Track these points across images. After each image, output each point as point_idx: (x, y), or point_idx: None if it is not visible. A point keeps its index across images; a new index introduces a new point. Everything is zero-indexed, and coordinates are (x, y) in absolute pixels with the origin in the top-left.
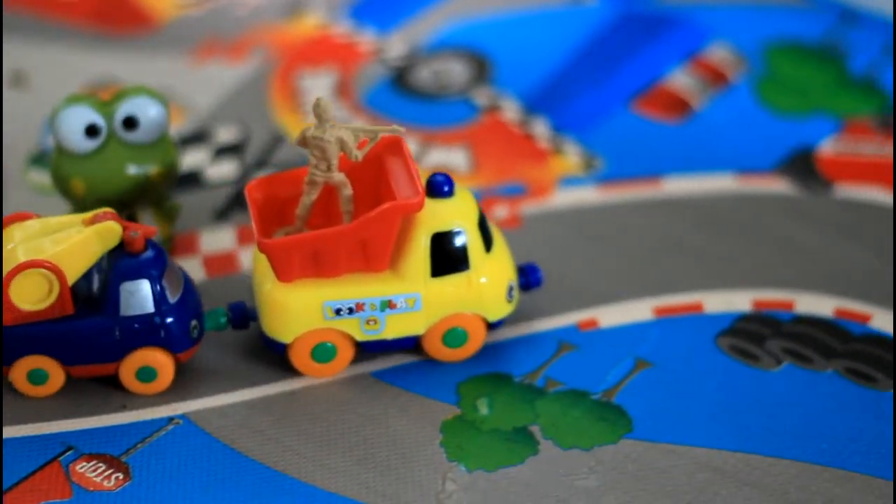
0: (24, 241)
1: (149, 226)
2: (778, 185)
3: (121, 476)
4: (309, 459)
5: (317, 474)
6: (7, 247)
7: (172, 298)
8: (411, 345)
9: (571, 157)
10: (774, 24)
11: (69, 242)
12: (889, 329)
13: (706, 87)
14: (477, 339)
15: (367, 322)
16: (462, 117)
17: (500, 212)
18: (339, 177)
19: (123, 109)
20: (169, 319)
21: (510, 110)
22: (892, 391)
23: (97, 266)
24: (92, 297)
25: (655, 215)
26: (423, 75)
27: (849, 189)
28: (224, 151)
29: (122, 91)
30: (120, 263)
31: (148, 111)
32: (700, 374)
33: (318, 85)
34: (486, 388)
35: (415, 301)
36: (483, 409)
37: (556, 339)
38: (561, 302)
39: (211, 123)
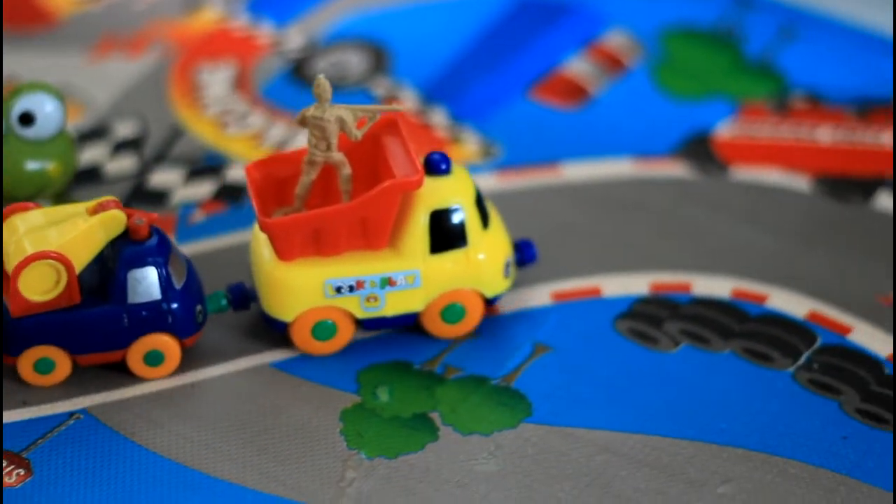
0: (28, 232)
1: (151, 212)
2: (675, 169)
3: (22, 472)
4: (210, 451)
5: (217, 465)
6: (11, 238)
7: (178, 284)
8: (411, 322)
9: (469, 145)
10: (671, 9)
11: (75, 232)
12: (785, 308)
13: (603, 74)
14: (475, 314)
15: (368, 299)
16: None
17: None
18: (338, 156)
19: (19, 105)
20: (175, 305)
21: (408, 100)
22: (788, 369)
23: (100, 254)
24: (97, 286)
25: (554, 201)
26: (321, 67)
27: (745, 171)
28: (123, 146)
29: (18, 87)
30: (126, 251)
31: (44, 107)
32: (599, 357)
33: (216, 79)
34: (386, 375)
35: (414, 278)
36: (383, 397)
37: None
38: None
39: (110, 119)
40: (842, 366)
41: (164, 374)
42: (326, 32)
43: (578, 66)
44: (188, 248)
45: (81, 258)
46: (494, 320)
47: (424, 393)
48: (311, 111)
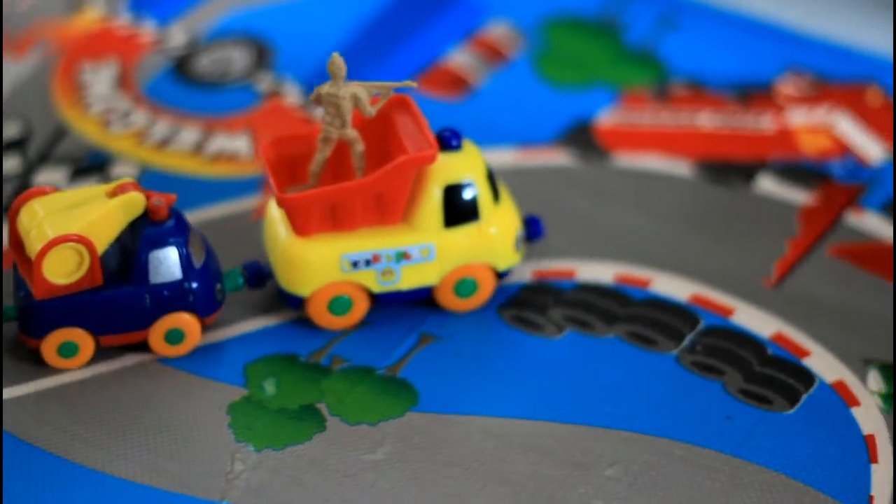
0: (48, 215)
1: (170, 193)
2: (557, 157)
3: None
4: (99, 447)
5: (107, 462)
6: (32, 223)
7: (198, 264)
8: (425, 296)
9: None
10: (552, 0)
11: (96, 214)
12: (669, 291)
13: (484, 65)
14: (486, 288)
15: (384, 273)
16: (243, 104)
17: None
18: (352, 133)
19: None
20: (196, 284)
21: (291, 95)
22: (672, 352)
23: (119, 236)
24: (118, 267)
25: None
26: (204, 63)
27: (627, 158)
28: (6, 147)
29: None
30: (147, 232)
31: None
32: (484, 345)
33: (99, 78)
34: (273, 368)
35: (429, 251)
36: (270, 390)
37: None
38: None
39: None
40: (725, 347)
41: (184, 352)
42: (209, 29)
43: (460, 58)
44: None
45: (103, 240)
46: (380, 311)
47: (311, 384)
48: (325, 88)
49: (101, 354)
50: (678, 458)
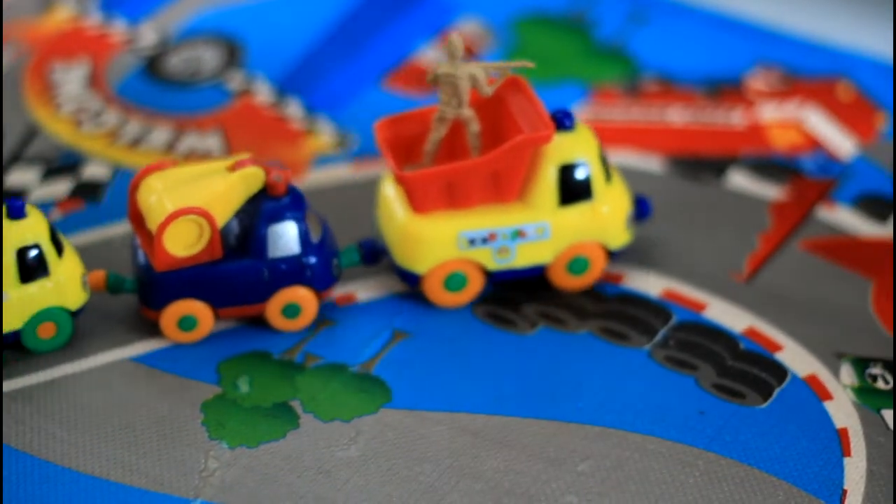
0: (168, 189)
1: (287, 170)
2: None
3: None
4: (71, 446)
5: (80, 460)
6: (151, 197)
7: (315, 239)
8: (538, 274)
9: (325, 136)
10: None
11: (216, 189)
12: (641, 287)
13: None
14: (598, 267)
15: (499, 251)
16: (215, 102)
17: None
18: (468, 113)
19: None
20: (314, 259)
21: (262, 93)
22: (645, 347)
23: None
24: (236, 241)
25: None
26: (175, 63)
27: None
28: None
29: None
30: (266, 207)
31: None
32: (457, 341)
33: (70, 77)
34: (246, 366)
35: (544, 230)
36: (243, 387)
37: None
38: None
39: None
40: (697, 342)
41: (301, 326)
42: (179, 28)
43: (431, 55)
44: None
45: (223, 214)
46: (353, 308)
47: (285, 382)
48: (443, 69)
49: (71, 354)
50: (651, 452)
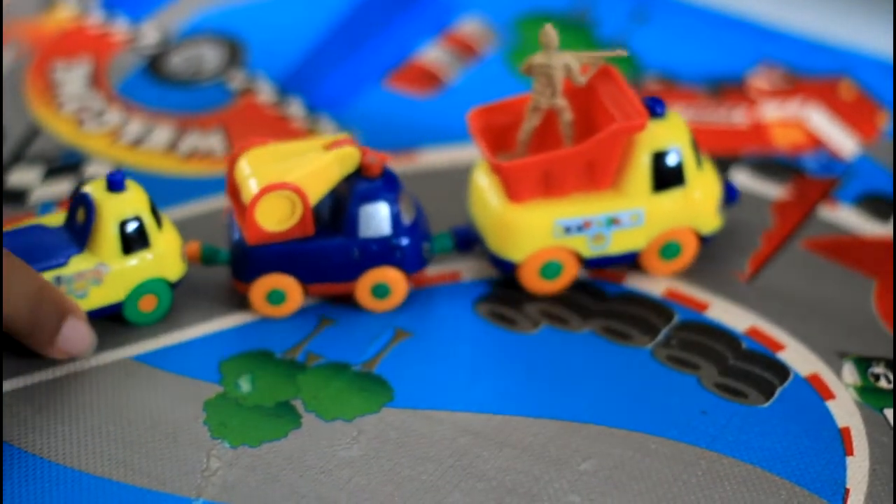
0: (266, 164)
1: (384, 153)
2: None
3: None
4: (74, 445)
5: (82, 459)
6: (249, 171)
7: (407, 221)
8: (631, 260)
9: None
10: None
11: (312, 166)
12: (643, 286)
13: (457, 61)
14: (689, 252)
15: (594, 239)
16: (216, 101)
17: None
18: (562, 102)
19: None
20: (405, 241)
21: (264, 92)
22: (647, 346)
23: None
24: (330, 219)
25: (411, 188)
26: (177, 62)
27: None
28: None
29: None
30: (359, 187)
31: None
32: (459, 340)
33: (72, 76)
34: (248, 365)
35: (638, 216)
36: (245, 386)
37: (316, 315)
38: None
39: None
40: (699, 341)
41: (390, 307)
42: (181, 27)
43: (432, 54)
44: None
45: (316, 191)
46: (355, 307)
47: (286, 381)
48: (537, 59)
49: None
50: (654, 452)
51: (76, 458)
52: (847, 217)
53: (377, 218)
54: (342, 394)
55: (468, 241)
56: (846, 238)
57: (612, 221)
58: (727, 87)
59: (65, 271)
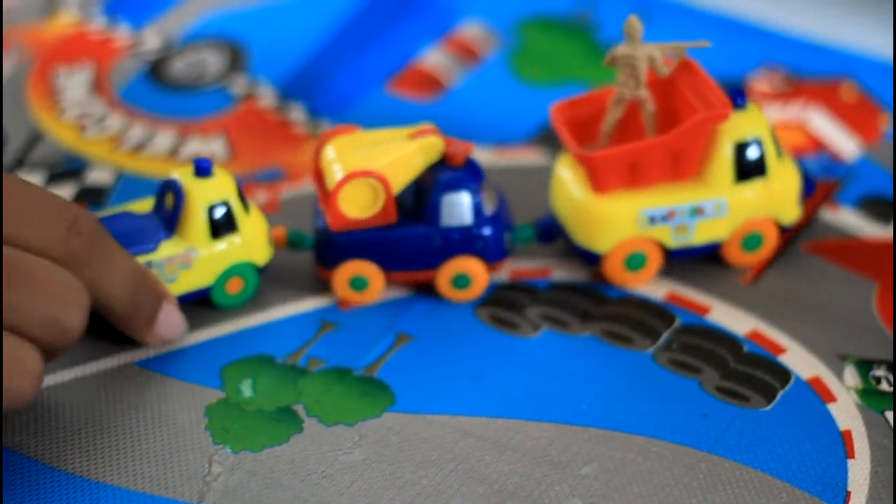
0: (351, 151)
1: (468, 143)
2: (532, 156)
3: None
4: (76, 450)
5: (85, 465)
6: (334, 157)
7: (489, 211)
8: (713, 251)
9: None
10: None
11: (396, 155)
12: (644, 290)
13: (459, 65)
14: (771, 242)
15: (678, 229)
16: (218, 107)
17: (259, 197)
18: (644, 93)
19: None
20: (486, 231)
21: (266, 97)
22: (648, 350)
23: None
24: (412, 208)
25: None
26: (178, 67)
27: None
28: None
29: None
30: (442, 176)
31: None
32: (461, 344)
33: (74, 82)
34: (250, 370)
35: (721, 207)
36: (247, 392)
37: (318, 319)
38: (321, 282)
39: None
40: (701, 345)
41: (471, 297)
42: (183, 32)
43: (434, 58)
44: None
45: (400, 180)
46: (356, 312)
47: (288, 386)
48: (621, 50)
49: (76, 358)
50: (655, 455)
51: (78, 463)
52: (849, 219)
53: (459, 207)
54: (344, 398)
55: (551, 232)
56: (848, 241)
57: (696, 211)
58: (729, 90)
59: (155, 256)
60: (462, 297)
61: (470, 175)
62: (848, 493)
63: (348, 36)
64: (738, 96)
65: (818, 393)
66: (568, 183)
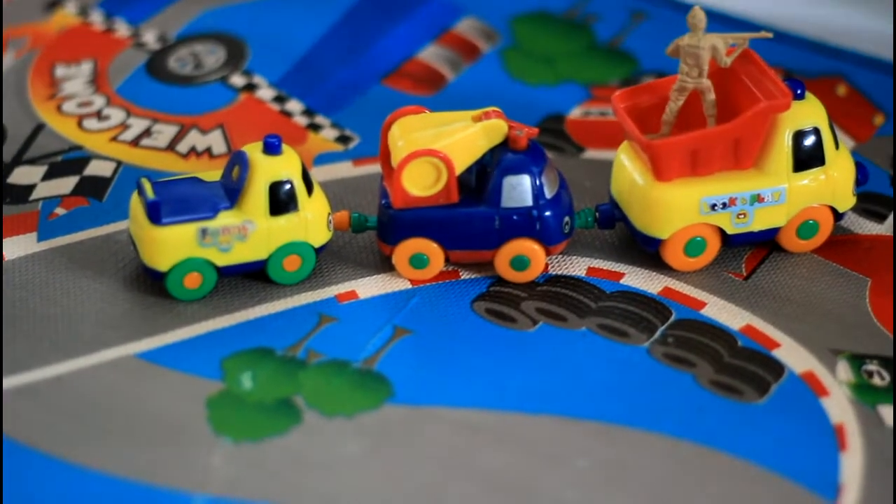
0: (416, 131)
1: (532, 127)
2: None
3: None
4: (78, 442)
5: (83, 455)
6: (402, 136)
7: (549, 194)
8: (772, 237)
9: (327, 134)
10: None
11: (460, 136)
12: (640, 285)
13: (457, 61)
14: (826, 229)
15: (738, 216)
16: (216, 101)
17: None
18: (706, 83)
19: None
20: (546, 213)
21: (264, 91)
22: (644, 344)
23: (480, 160)
24: (474, 189)
25: None
26: (176, 61)
27: (599, 152)
28: None
29: None
30: (504, 158)
31: None
32: (458, 338)
33: (73, 76)
34: (250, 362)
35: (780, 194)
36: (247, 383)
37: (317, 313)
38: (321, 275)
39: None
40: (696, 339)
41: (528, 278)
42: (181, 27)
43: (432, 54)
44: (50, 245)
45: (462, 160)
46: (355, 305)
47: (288, 378)
48: (685, 40)
49: (77, 350)
50: (650, 448)
51: (77, 453)
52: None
53: (520, 189)
54: (343, 390)
55: (611, 218)
56: (841, 237)
57: (756, 199)
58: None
59: (212, 224)
60: (520, 278)
61: (532, 158)
62: (841, 486)
63: (347, 31)
64: (797, 86)
65: (811, 387)
66: (629, 170)
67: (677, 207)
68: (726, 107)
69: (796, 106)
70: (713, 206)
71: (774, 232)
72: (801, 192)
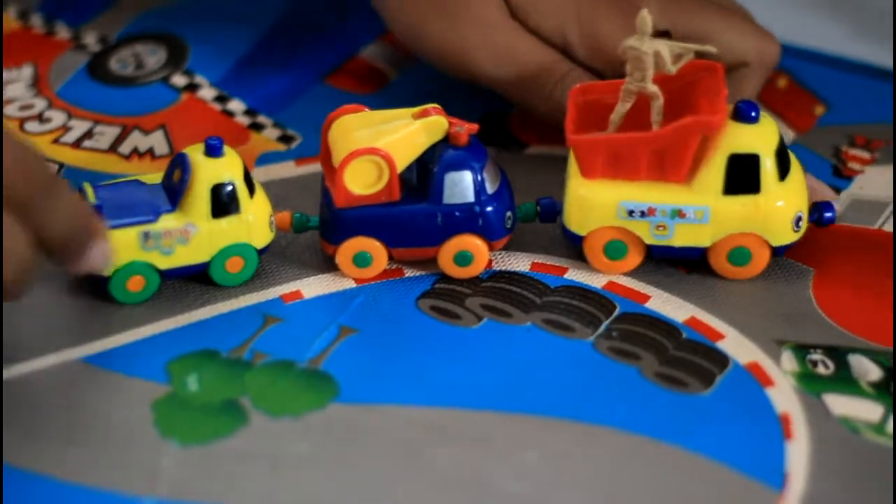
0: (356, 130)
1: (472, 123)
2: None
3: None
4: (22, 446)
5: (30, 460)
6: (341, 135)
7: (491, 190)
8: (697, 256)
9: (269, 134)
10: None
11: (401, 133)
12: (584, 279)
13: (399, 59)
14: (760, 261)
15: (657, 227)
16: (157, 101)
17: None
18: (651, 87)
19: None
20: (487, 209)
21: (207, 91)
22: (589, 339)
23: (420, 157)
24: (416, 186)
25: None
26: (117, 63)
27: (540, 148)
28: None
29: None
30: (445, 155)
31: None
32: (404, 336)
33: (14, 79)
34: (195, 364)
35: (703, 214)
36: (193, 386)
37: (262, 313)
38: (266, 276)
39: None
40: (640, 332)
41: (472, 274)
42: (122, 28)
43: (375, 52)
44: None
45: (404, 158)
46: (300, 305)
47: (234, 379)
48: (629, 42)
49: (22, 354)
50: (597, 440)
51: (24, 458)
52: None
53: (461, 185)
54: (289, 391)
55: (552, 211)
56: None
57: (677, 213)
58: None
59: (153, 227)
60: (464, 273)
61: (473, 154)
62: (786, 475)
63: (289, 29)
64: (751, 109)
65: (756, 377)
66: (570, 165)
67: (594, 207)
68: (683, 116)
69: (743, 129)
70: (630, 212)
71: (698, 251)
72: (727, 216)
